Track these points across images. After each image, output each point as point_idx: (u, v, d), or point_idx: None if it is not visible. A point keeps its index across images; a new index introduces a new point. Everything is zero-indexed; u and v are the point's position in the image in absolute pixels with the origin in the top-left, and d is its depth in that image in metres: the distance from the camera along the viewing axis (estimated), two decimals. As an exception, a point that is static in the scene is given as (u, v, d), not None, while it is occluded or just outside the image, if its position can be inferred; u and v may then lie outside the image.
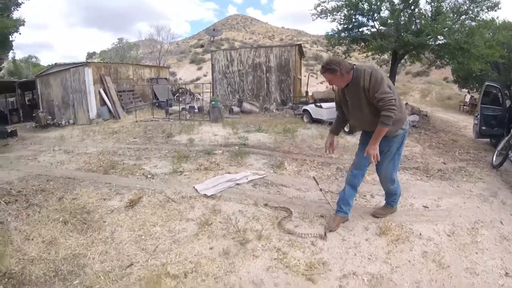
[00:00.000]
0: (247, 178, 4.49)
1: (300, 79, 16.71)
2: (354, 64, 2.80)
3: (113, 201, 3.84)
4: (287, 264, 2.44)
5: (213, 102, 11.58)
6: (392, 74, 12.83)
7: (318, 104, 9.37)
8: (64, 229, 3.07)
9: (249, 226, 3.08)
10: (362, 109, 2.77)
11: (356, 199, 3.58)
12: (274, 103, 14.04)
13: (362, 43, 12.35)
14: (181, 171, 5.04)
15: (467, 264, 2.54)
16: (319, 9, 12.30)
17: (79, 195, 4.01)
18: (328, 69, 2.74)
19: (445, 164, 5.61)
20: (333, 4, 12.04)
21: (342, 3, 11.78)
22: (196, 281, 2.29)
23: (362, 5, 11.28)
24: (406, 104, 12.75)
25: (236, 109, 13.39)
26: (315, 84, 27.43)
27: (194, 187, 4.23)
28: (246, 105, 13.35)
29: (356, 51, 13.44)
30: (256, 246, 2.71)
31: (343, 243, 2.79)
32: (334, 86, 2.93)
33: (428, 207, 3.62)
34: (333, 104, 8.81)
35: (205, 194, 3.92)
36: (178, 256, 2.59)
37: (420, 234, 2.97)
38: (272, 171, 4.96)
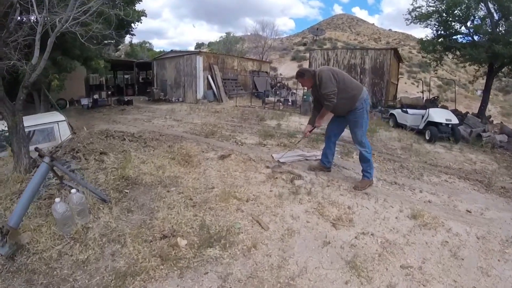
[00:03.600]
0: (315, 156, 5.34)
1: (396, 84, 16.29)
2: (315, 70, 3.96)
3: (209, 154, 5.24)
4: (322, 213, 3.25)
5: (305, 97, 12.54)
6: (487, 88, 11.89)
7: (404, 109, 9.42)
8: (171, 162, 4.49)
9: (304, 186, 3.97)
10: (322, 99, 3.88)
11: (403, 190, 4.19)
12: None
13: (457, 52, 11.69)
14: (264, 144, 6.26)
15: (482, 264, 2.63)
16: (413, 14, 12.01)
17: (184, 146, 5.45)
18: (299, 75, 4.06)
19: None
20: (426, 9, 11.62)
21: (434, 8, 11.32)
22: (253, 205, 3.32)
23: (454, 10, 10.71)
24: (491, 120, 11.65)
25: (328, 106, 14.03)
26: (415, 92, 25.89)
27: (271, 155, 5.37)
28: (337, 103, 13.92)
29: (451, 60, 12.73)
30: (303, 197, 3.60)
31: (375, 214, 3.36)
32: (304, 87, 4.07)
33: (471, 212, 3.72)
34: (418, 111, 8.87)
35: (278, 160, 4.98)
36: (246, 190, 3.69)
37: (450, 229, 3.17)
38: (339, 157, 5.68)
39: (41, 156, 2.80)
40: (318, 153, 5.60)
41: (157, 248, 2.44)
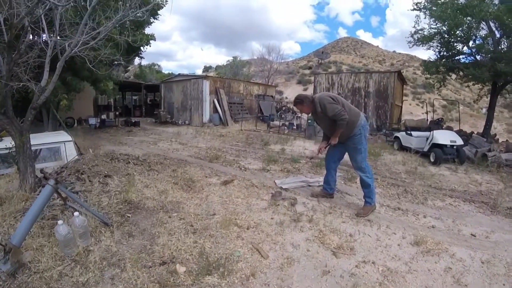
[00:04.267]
0: (318, 182, 5.34)
1: (400, 106, 16.37)
2: (314, 96, 4.10)
3: (212, 179, 5.25)
4: (323, 241, 3.23)
5: (309, 121, 12.63)
6: (491, 106, 11.92)
7: (409, 132, 9.42)
8: (174, 186, 4.52)
9: (306, 213, 3.96)
10: (325, 123, 4.09)
11: (407, 216, 4.18)
12: (368, 128, 14.27)
13: (461, 72, 11.82)
14: (268, 169, 6.28)
15: None
16: (415, 36, 12.19)
17: (188, 171, 5.50)
18: (298, 102, 4.17)
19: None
20: (428, 31, 11.79)
21: (435, 30, 11.50)
22: (253, 233, 3.31)
23: (456, 31, 10.86)
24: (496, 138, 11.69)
25: (332, 131, 14.12)
26: (420, 114, 25.98)
27: (274, 181, 5.39)
28: (341, 127, 13.99)
29: (455, 80, 12.87)
30: (305, 225, 3.59)
31: (377, 242, 3.33)
32: (302, 112, 4.25)
33: (475, 236, 3.68)
34: (423, 133, 8.86)
35: (281, 187, 4.99)
36: (247, 217, 3.70)
37: (454, 254, 3.12)
38: (342, 182, 5.67)
39: (46, 178, 2.86)
40: (321, 179, 5.59)
41: (156, 274, 2.44)
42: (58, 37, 4.36)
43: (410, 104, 10.27)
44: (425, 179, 6.27)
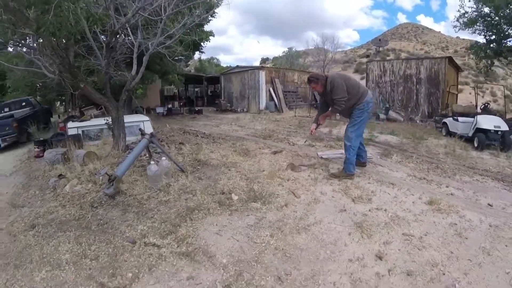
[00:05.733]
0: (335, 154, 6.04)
1: (455, 94, 15.74)
2: (327, 75, 4.47)
3: (264, 150, 6.33)
4: (346, 192, 4.01)
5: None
6: None
7: (455, 117, 9.44)
8: (233, 153, 5.62)
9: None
10: (330, 102, 4.44)
11: (430, 185, 4.62)
12: (419, 114, 14.06)
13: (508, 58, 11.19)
14: (313, 145, 7.12)
15: (486, 246, 2.81)
16: (461, 21, 11.83)
17: (245, 144, 6.57)
18: (312, 80, 4.47)
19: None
20: (471, 15, 11.37)
21: (476, 13, 11.06)
22: (292, 183, 4.23)
23: (500, 13, 10.32)
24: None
25: (382, 116, 14.25)
26: (479, 102, 24.22)
27: (317, 153, 6.19)
28: (392, 113, 14.02)
29: (501, 68, 12.19)
30: (334, 181, 4.40)
31: (394, 198, 3.91)
32: (315, 91, 4.65)
33: (492, 206, 3.83)
34: (469, 119, 8.85)
35: (321, 156, 5.82)
36: (289, 174, 4.62)
37: (464, 216, 3.40)
38: (378, 157, 6.27)
39: (143, 134, 4.08)
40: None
41: (217, 198, 3.51)
42: (142, 39, 5.65)
43: (470, 93, 9.83)
44: (461, 159, 6.43)
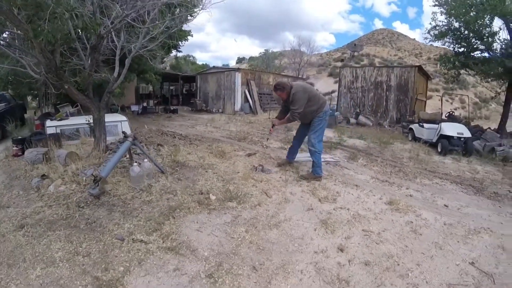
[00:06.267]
0: (324, 159, 6.46)
1: (423, 101, 16.78)
2: (292, 86, 4.87)
3: (239, 152, 6.65)
4: (314, 193, 4.41)
5: (331, 111, 13.62)
6: (507, 103, 12.29)
7: (421, 124, 10.06)
8: (210, 155, 5.93)
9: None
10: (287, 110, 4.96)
11: (391, 187, 5.12)
12: (387, 120, 14.90)
13: (472, 70, 12.22)
14: (285, 148, 7.44)
15: (439, 241, 3.14)
16: (432, 33, 12.69)
17: (220, 146, 6.87)
18: (279, 88, 4.91)
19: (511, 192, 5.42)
20: (441, 28, 12.26)
21: (447, 27, 11.98)
22: (264, 184, 4.60)
23: (469, 27, 11.24)
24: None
25: (352, 120, 14.98)
26: (448, 109, 25.81)
27: (286, 155, 6.51)
28: (362, 118, 14.78)
29: (471, 76, 13.23)
30: (303, 183, 4.80)
31: (357, 199, 4.33)
32: (280, 98, 5.08)
33: (448, 206, 4.24)
34: (434, 125, 9.50)
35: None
36: (263, 175, 4.98)
37: (420, 215, 3.79)
38: (345, 160, 6.75)
39: (126, 136, 4.30)
40: (327, 156, 6.75)
41: (196, 198, 3.83)
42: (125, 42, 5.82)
43: (439, 100, 10.43)
44: (423, 163, 6.91)
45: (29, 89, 11.75)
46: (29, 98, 16.12)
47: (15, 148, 6.14)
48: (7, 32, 5.73)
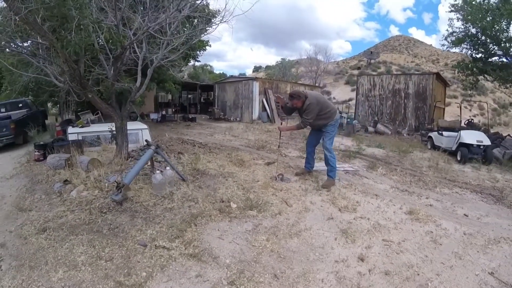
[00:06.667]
0: (343, 168, 6.44)
1: (442, 108, 16.45)
2: (306, 96, 5.01)
3: (258, 161, 6.69)
4: (334, 202, 4.39)
5: (349, 120, 13.55)
6: None
7: (440, 132, 9.88)
8: (229, 163, 5.98)
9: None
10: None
11: (411, 196, 5.04)
12: (406, 128, 14.66)
13: (491, 75, 11.98)
14: (304, 156, 7.38)
15: (459, 251, 3.13)
16: (449, 39, 12.57)
17: (239, 154, 6.92)
18: (294, 97, 5.06)
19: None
20: (458, 34, 12.12)
21: (464, 33, 11.80)
22: (284, 193, 4.61)
23: (486, 32, 11.02)
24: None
25: (370, 129, 14.82)
26: (467, 116, 25.20)
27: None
28: (380, 127, 14.59)
29: (490, 81, 12.92)
30: (323, 192, 4.79)
31: (377, 208, 4.31)
32: (291, 109, 5.33)
33: (467, 216, 4.21)
34: (453, 133, 9.31)
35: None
36: (282, 184, 5.00)
37: (440, 225, 3.76)
38: (365, 169, 6.68)
39: (149, 144, 4.42)
40: (345, 165, 6.71)
41: (217, 206, 3.87)
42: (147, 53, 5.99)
43: (458, 107, 10.14)
44: (443, 172, 6.80)
45: (50, 96, 12.12)
46: (49, 104, 16.67)
47: (37, 153, 6.35)
48: (29, 41, 5.97)
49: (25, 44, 5.95)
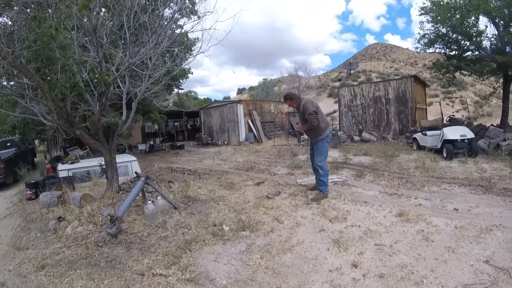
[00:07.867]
0: (331, 179, 6.57)
1: (424, 109, 16.87)
2: (301, 96, 5.27)
3: (248, 182, 6.77)
4: (324, 214, 4.49)
5: (333, 132, 13.79)
6: (505, 97, 12.43)
7: (424, 132, 9.99)
8: (219, 187, 6.06)
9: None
10: (302, 118, 5.19)
11: (400, 199, 5.14)
12: (391, 133, 14.95)
13: (465, 71, 12.49)
14: (292, 173, 7.64)
15: (451, 245, 3.20)
16: (421, 42, 13.11)
17: (229, 177, 7.02)
18: (288, 98, 5.26)
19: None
20: (429, 36, 12.65)
21: (435, 34, 12.35)
22: (275, 211, 4.70)
23: (457, 30, 11.58)
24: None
25: (356, 138, 15.08)
26: (449, 112, 25.86)
27: (296, 181, 6.69)
28: (365, 134, 14.86)
29: (466, 76, 13.44)
30: (313, 206, 4.89)
31: (367, 215, 4.41)
32: (290, 106, 5.36)
33: (458, 210, 4.31)
34: (437, 132, 9.46)
35: (300, 184, 6.33)
36: (272, 202, 5.10)
37: (431, 222, 3.85)
38: (353, 178, 6.82)
39: (138, 176, 4.50)
40: (334, 177, 6.86)
41: (210, 230, 3.95)
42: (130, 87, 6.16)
43: (439, 104, 10.43)
44: (430, 171, 6.94)
45: (37, 133, 12.13)
46: (36, 142, 16.58)
47: (28, 191, 6.37)
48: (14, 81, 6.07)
49: (11, 83, 6.05)
